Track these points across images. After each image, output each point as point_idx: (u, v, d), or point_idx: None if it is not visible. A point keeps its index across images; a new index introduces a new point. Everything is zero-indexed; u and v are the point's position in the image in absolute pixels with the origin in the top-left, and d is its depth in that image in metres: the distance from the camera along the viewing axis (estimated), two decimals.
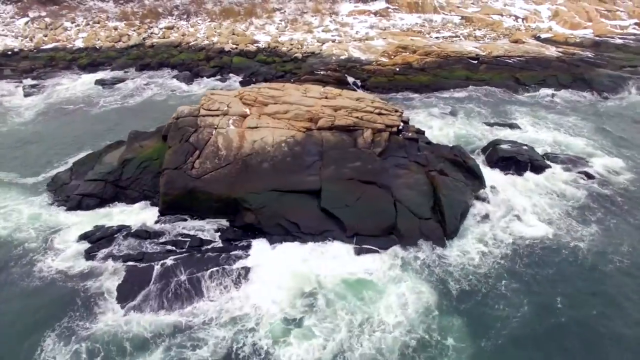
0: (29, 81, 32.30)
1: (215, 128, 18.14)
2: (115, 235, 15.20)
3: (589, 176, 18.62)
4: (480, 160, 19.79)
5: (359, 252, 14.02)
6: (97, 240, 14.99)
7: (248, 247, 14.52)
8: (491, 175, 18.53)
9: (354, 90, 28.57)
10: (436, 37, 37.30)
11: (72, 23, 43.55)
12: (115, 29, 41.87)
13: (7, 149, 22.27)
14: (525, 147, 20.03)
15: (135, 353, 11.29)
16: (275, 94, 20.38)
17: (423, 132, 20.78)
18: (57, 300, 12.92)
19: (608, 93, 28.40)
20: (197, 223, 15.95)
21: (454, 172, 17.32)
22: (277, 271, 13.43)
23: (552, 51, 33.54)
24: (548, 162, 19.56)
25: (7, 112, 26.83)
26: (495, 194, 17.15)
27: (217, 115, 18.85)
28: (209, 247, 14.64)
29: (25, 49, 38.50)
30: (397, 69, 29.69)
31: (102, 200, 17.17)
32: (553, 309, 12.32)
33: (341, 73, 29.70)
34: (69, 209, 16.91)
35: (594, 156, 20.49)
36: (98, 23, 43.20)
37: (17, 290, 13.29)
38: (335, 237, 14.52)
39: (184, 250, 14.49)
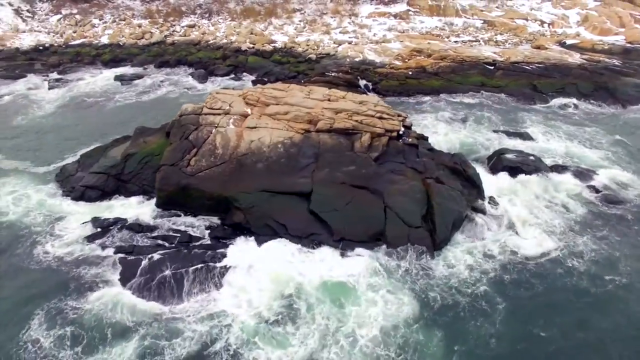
0: (54, 75, 33.76)
1: (216, 127, 18.42)
2: (111, 227, 15.68)
3: (597, 190, 17.80)
4: (484, 169, 19.31)
5: (343, 257, 13.92)
6: (95, 231, 15.51)
7: (235, 246, 14.65)
8: (493, 185, 18.04)
9: (365, 93, 28.46)
10: (455, 41, 36.53)
11: (100, 20, 45.22)
12: (140, 26, 43.18)
13: (24, 139, 23.37)
14: (531, 158, 19.37)
15: (115, 339, 11.62)
16: (278, 95, 20.49)
17: (426, 138, 20.39)
18: (49, 283, 13.45)
19: (632, 104, 27.04)
20: (190, 219, 16.24)
21: (452, 181, 16.92)
22: (260, 271, 13.50)
23: (575, 58, 32.22)
24: (555, 174, 18.81)
25: (30, 104, 28.14)
26: (493, 204, 16.65)
27: (219, 114, 19.13)
28: (197, 243, 14.90)
29: (55, 45, 40.26)
30: (410, 73, 29.26)
31: (104, 193, 17.72)
32: (535, 334, 11.73)
33: (353, 75, 29.52)
34: (73, 199, 17.56)
35: (606, 170, 19.54)
36: (124, 20, 44.68)
37: (12, 270, 13.95)
38: (322, 240, 14.47)
39: (173, 245, 14.80)
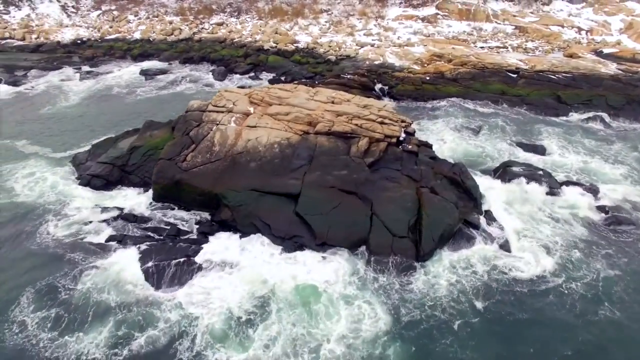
0: (86, 68, 35.62)
1: (217, 124, 18.74)
2: (108, 215, 16.30)
3: (606, 210, 16.69)
4: (488, 181, 18.55)
5: (323, 262, 13.78)
6: (93, 218, 16.19)
7: (218, 242, 14.84)
8: (495, 198, 17.32)
9: (379, 96, 28.08)
10: (481, 47, 35.30)
11: (135, 16, 47.22)
12: (171, 22, 44.73)
13: (48, 126, 24.78)
14: (540, 172, 18.43)
15: (92, 324, 11.94)
16: (282, 95, 20.59)
17: (430, 146, 19.85)
18: (44, 264, 14.04)
19: None
20: (182, 213, 16.61)
21: (448, 192, 16.35)
22: (238, 270, 13.64)
23: (610, 68, 30.29)
24: (563, 191, 17.79)
25: (59, 94, 29.81)
26: (489, 219, 15.94)
27: (222, 112, 19.45)
28: (184, 237, 15.22)
29: (92, 39, 42.49)
30: (427, 78, 28.56)
31: (108, 182, 18.43)
32: None
33: (368, 78, 29.19)
34: (79, 184, 18.45)
35: (622, 188, 18.33)
36: (157, 17, 46.43)
37: (13, 249, 14.74)
38: (304, 243, 14.39)
39: (161, 237, 15.20)
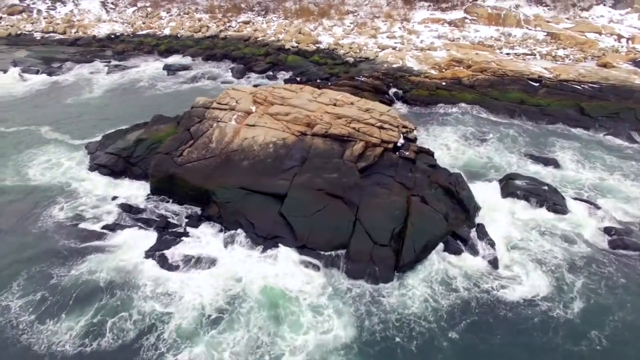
0: (115, 62, 37.22)
1: (218, 121, 19.12)
2: (105, 204, 17.02)
3: (612, 232, 15.64)
4: (489, 192, 17.84)
5: (299, 265, 13.74)
6: (92, 206, 16.96)
7: (203, 237, 15.16)
8: (492, 212, 16.66)
9: (392, 100, 27.64)
10: (507, 53, 33.96)
11: (167, 13, 48.88)
12: (199, 20, 45.95)
13: (69, 116, 26.11)
14: (544, 187, 17.53)
15: (72, 311, 12.33)
16: (286, 95, 20.72)
17: (431, 153, 19.37)
18: (41, 248, 14.79)
19: None
20: (175, 207, 17.06)
21: (440, 202, 15.87)
22: (217, 266, 13.86)
23: None
24: (569, 208, 16.83)
25: (86, 86, 31.36)
26: (481, 233, 15.32)
27: (225, 110, 19.82)
28: (172, 230, 15.63)
29: (125, 34, 44.33)
30: (443, 83, 27.79)
31: (113, 172, 19.21)
32: None
33: (382, 81, 28.79)
34: (88, 172, 19.38)
35: (638, 210, 17.05)
36: (187, 14, 47.84)
37: (15, 231, 15.59)
38: (285, 244, 14.40)
39: (150, 228, 15.69)
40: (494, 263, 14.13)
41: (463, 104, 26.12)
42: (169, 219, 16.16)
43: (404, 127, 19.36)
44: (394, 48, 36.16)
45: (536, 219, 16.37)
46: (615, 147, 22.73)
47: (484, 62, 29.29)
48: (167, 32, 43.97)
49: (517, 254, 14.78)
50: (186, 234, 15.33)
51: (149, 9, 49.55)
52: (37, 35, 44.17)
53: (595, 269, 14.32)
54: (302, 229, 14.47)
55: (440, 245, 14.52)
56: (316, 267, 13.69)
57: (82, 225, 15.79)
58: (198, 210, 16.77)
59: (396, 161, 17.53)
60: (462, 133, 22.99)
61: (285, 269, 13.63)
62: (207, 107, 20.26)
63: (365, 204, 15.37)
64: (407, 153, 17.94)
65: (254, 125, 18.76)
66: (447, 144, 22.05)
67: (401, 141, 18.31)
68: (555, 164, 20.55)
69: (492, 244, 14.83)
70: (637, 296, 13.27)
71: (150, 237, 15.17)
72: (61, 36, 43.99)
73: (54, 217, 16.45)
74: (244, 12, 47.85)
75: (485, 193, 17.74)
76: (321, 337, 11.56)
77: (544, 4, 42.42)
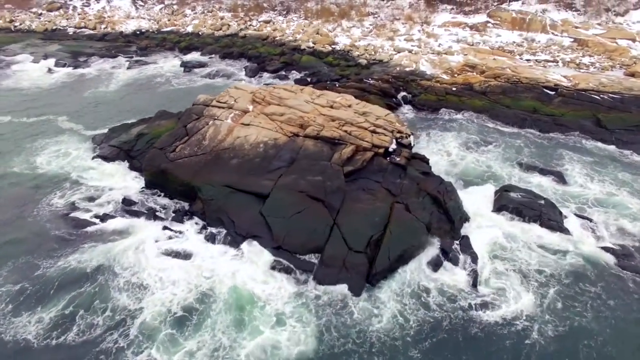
0: (137, 57, 38.56)
1: (215, 119, 19.44)
2: (101, 195, 17.67)
3: (610, 251, 14.75)
4: (481, 203, 17.28)
5: (273, 267, 13.75)
6: (88, 195, 17.66)
7: (186, 232, 15.45)
8: (481, 224, 16.13)
9: (399, 104, 27.23)
10: (527, 59, 32.68)
11: (192, 11, 50.12)
12: (222, 18, 46.84)
13: (85, 108, 27.27)
14: (541, 202, 16.77)
15: (47, 301, 12.63)
16: (284, 96, 20.80)
17: (426, 160, 18.95)
18: (30, 232, 15.47)
19: None
20: (165, 201, 17.47)
21: (425, 211, 15.49)
22: (193, 262, 14.03)
23: None
24: (565, 225, 16.03)
25: (105, 80, 32.65)
26: (464, 246, 14.82)
27: (223, 108, 20.13)
28: (158, 222, 16.01)
29: (150, 30, 45.83)
30: (453, 89, 27.09)
31: (113, 164, 19.92)
32: None
33: (393, 85, 28.40)
34: (91, 162, 20.17)
35: None
36: (211, 12, 48.87)
37: (11, 220, 16.38)
38: (262, 244, 14.45)
39: (137, 221, 16.13)
40: (473, 279, 13.62)
41: (471, 111, 25.38)
42: (156, 213, 16.56)
43: (399, 132, 19.02)
44: (410, 51, 35.58)
45: (527, 234, 15.70)
46: (630, 163, 21.45)
47: (498, 68, 28.33)
48: (189, 29, 45.12)
49: (501, 270, 14.19)
50: (169, 228, 15.67)
51: (175, 7, 50.98)
52: (70, 31, 46.39)
53: (584, 291, 13.58)
54: (279, 230, 14.49)
55: (420, 256, 14.16)
56: (289, 271, 13.65)
57: (74, 214, 16.40)
58: (186, 205, 17.13)
59: (385, 167, 17.25)
60: (465, 140, 22.34)
61: (258, 270, 13.66)
62: (207, 104, 20.64)
63: (347, 209, 15.21)
64: (398, 159, 17.61)
65: (248, 125, 18.95)
66: (448, 150, 21.51)
67: (393, 146, 17.99)
68: (560, 177, 19.61)
69: (474, 258, 14.32)
70: (623, 323, 12.48)
71: (136, 230, 15.61)
72: (91, 31, 46.01)
73: (50, 205, 17.07)
74: (266, 11, 48.41)
75: (477, 203, 17.20)
76: (279, 346, 11.36)
77: (573, 9, 40.52)
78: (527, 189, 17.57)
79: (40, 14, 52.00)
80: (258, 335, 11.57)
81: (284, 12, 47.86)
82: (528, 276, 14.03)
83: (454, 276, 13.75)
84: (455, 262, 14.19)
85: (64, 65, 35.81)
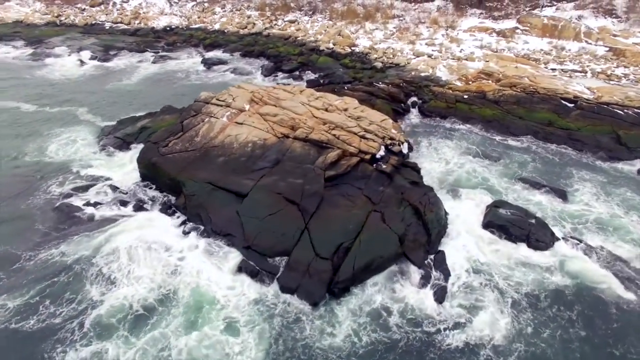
0: (163, 52, 40.03)
1: (211, 117, 19.87)
2: (95, 183, 18.50)
3: (596, 278, 13.75)
4: (468, 218, 16.62)
5: (240, 268, 13.84)
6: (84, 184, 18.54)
7: (166, 226, 15.86)
8: (465, 241, 15.50)
9: (407, 109, 26.64)
10: (552, 69, 30.97)
11: (222, 9, 51.33)
12: (249, 17, 47.66)
13: (105, 100, 28.60)
14: (531, 221, 15.87)
15: (23, 284, 13.06)
16: (282, 97, 20.93)
17: (418, 170, 18.44)
18: (21, 216, 16.30)
19: None
20: (155, 193, 18.01)
21: (403, 222, 15.07)
22: (164, 257, 14.25)
23: None
24: (554, 246, 15.11)
25: (128, 73, 34.15)
26: (439, 261, 14.27)
27: (221, 106, 20.54)
28: (142, 214, 16.58)
29: (180, 27, 47.41)
30: (465, 96, 26.14)
31: (115, 155, 20.85)
32: None
33: (402, 89, 27.81)
34: (96, 152, 21.19)
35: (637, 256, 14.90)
36: (239, 10, 49.84)
37: (9, 209, 17.26)
38: (234, 243, 14.62)
39: (125, 211, 16.78)
40: (440, 298, 13.08)
41: (480, 120, 24.40)
42: (143, 205, 17.13)
43: (391, 138, 18.62)
44: (429, 56, 34.69)
45: (510, 253, 14.94)
46: None
47: (515, 77, 27.05)
48: (217, 27, 46.27)
49: (474, 290, 13.55)
50: (151, 220, 16.17)
51: (206, 4, 52.41)
52: (107, 25, 48.82)
53: (563, 319, 12.76)
54: (251, 230, 14.60)
55: (388, 270, 13.79)
56: (255, 273, 13.65)
57: (67, 200, 17.20)
58: (173, 199, 17.60)
59: (370, 173, 16.95)
60: (468, 150, 21.51)
61: (224, 270, 13.68)
62: (207, 101, 21.11)
63: (322, 214, 15.09)
64: (384, 166, 17.25)
65: (241, 124, 19.22)
66: (447, 159, 20.81)
67: (381, 153, 17.64)
68: (563, 195, 18.47)
69: (446, 275, 13.79)
70: (591, 357, 11.60)
71: (120, 221, 16.14)
72: (126, 27, 48.20)
73: (46, 192, 17.60)
74: (293, 11, 48.75)
75: (465, 217, 16.59)
76: (225, 354, 11.28)
77: (614, 15, 37.92)
78: (519, 206, 16.69)
79: (84, 9, 55.03)
80: (207, 341, 11.55)
81: (310, 13, 48.01)
82: (503, 299, 13.34)
83: (420, 294, 13.19)
84: (425, 278, 13.71)
85: (94, 59, 37.77)
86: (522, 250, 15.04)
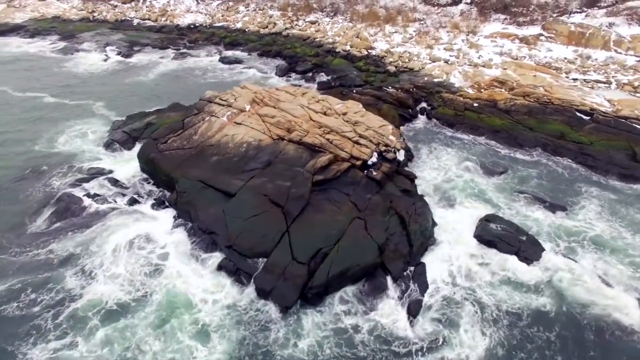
0: (183, 49, 41.03)
1: (212, 116, 20.26)
2: (100, 175, 19.23)
3: (581, 299, 13.10)
4: (459, 230, 16.22)
5: (220, 267, 14.08)
6: (86, 176, 19.31)
7: (155, 221, 16.33)
8: (446, 252, 15.14)
9: (415, 115, 26.22)
10: (573, 79, 29.64)
11: (246, 8, 52.07)
12: (270, 16, 48.13)
13: (121, 94, 29.68)
14: (522, 238, 15.33)
15: (12, 271, 13.87)
16: (282, 98, 21.08)
17: (412, 178, 18.15)
18: (23, 203, 17.29)
19: None
20: (152, 188, 18.62)
21: (386, 231, 14.90)
22: (147, 253, 14.73)
23: None
24: (541, 263, 14.54)
25: (147, 69, 35.20)
26: (418, 274, 14.03)
27: (223, 106, 20.90)
28: (136, 208, 17.12)
29: (204, 25, 48.44)
30: (475, 104, 25.44)
31: (121, 149, 21.60)
32: None
33: (411, 95, 27.40)
34: (103, 146, 22.02)
35: (628, 278, 14.11)
36: (262, 10, 50.42)
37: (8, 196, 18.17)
38: (218, 242, 14.89)
39: (119, 201, 17.40)
40: (414, 312, 12.79)
41: (488, 130, 23.69)
42: (138, 199, 17.68)
43: (386, 145, 18.40)
44: (446, 61, 33.96)
45: (497, 269, 14.48)
46: None
47: (530, 86, 26.08)
48: (239, 25, 47.00)
49: (452, 305, 13.25)
50: (145, 214, 16.68)
51: (231, 3, 53.32)
52: (135, 22, 50.52)
53: (542, 341, 12.27)
54: (234, 230, 14.79)
55: (365, 279, 13.65)
56: (233, 272, 13.84)
57: (69, 190, 18.01)
58: (168, 195, 18.07)
59: (359, 180, 16.83)
60: (469, 160, 20.92)
61: (203, 272, 13.99)
62: (210, 100, 21.54)
63: (305, 218, 15.11)
64: (375, 173, 17.08)
65: (240, 124, 19.50)
66: (447, 168, 20.36)
67: (373, 160, 17.47)
68: (564, 211, 17.70)
69: (423, 289, 13.52)
70: None
71: (114, 213, 16.72)
72: (152, 23, 49.73)
73: (46, 185, 18.58)
74: (315, 11, 48.84)
75: (455, 229, 16.23)
76: (188, 358, 11.43)
77: None
78: (511, 222, 16.13)
79: (116, 5, 57.15)
80: (175, 344, 11.73)
81: (332, 14, 47.96)
82: (482, 317, 12.96)
83: (393, 308, 12.96)
84: (401, 290, 13.48)
85: (118, 54, 39.22)
86: (510, 267, 14.53)
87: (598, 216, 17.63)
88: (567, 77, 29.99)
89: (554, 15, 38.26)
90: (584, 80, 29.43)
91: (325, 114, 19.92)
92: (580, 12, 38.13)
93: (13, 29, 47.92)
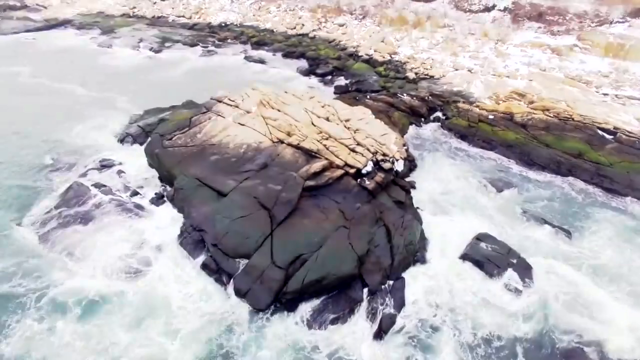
0: (212, 47, 42.16)
1: (218, 115, 20.79)
2: (109, 167, 20.21)
3: (566, 328, 12.45)
4: (452, 247, 15.81)
5: (204, 265, 14.47)
6: (97, 166, 20.34)
7: (152, 215, 17.00)
8: (430, 268, 14.79)
9: (425, 124, 25.71)
10: (604, 94, 27.98)
11: (277, 8, 52.74)
12: (300, 17, 48.52)
13: (145, 89, 30.88)
14: (513, 260, 14.75)
15: (8, 253, 14.93)
16: (287, 101, 21.29)
17: (408, 190, 17.84)
18: (30, 189, 18.32)
19: None
20: (157, 182, 19.29)
21: (369, 242, 14.76)
22: (136, 248, 15.22)
23: None
24: (531, 288, 13.93)
25: (174, 66, 36.45)
26: (396, 289, 13.79)
27: (230, 106, 21.39)
28: (136, 201, 17.86)
29: (234, 24, 49.57)
30: (490, 117, 24.58)
31: (134, 142, 22.59)
32: None
33: (426, 103, 26.86)
34: (117, 139, 23.12)
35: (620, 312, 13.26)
36: (292, 10, 50.90)
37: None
38: (206, 240, 15.28)
39: (122, 193, 18.22)
40: (386, 329, 12.57)
41: (500, 144, 22.85)
42: (137, 190, 18.40)
43: (384, 154, 18.18)
44: (469, 70, 32.99)
45: (481, 291, 14.00)
46: None
47: (552, 100, 24.89)
48: (268, 25, 47.72)
49: (428, 325, 12.94)
50: (143, 209, 17.35)
51: (263, 3, 54.18)
52: (170, 19, 52.41)
53: None
54: (220, 229, 15.13)
55: (340, 291, 13.55)
56: (215, 271, 14.18)
57: (80, 179, 19.04)
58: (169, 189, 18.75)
59: (351, 188, 16.74)
60: (475, 174, 20.31)
61: (187, 268, 14.43)
62: (220, 100, 22.09)
63: (291, 222, 15.23)
64: (367, 182, 16.93)
65: (243, 125, 19.88)
66: (449, 180, 19.87)
67: (367, 169, 17.32)
68: (568, 235, 16.85)
69: (399, 305, 13.27)
70: None
71: (114, 205, 17.30)
72: (186, 20, 51.41)
73: (61, 170, 19.83)
74: (344, 14, 48.74)
75: (444, 245, 15.83)
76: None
77: None
78: (504, 243, 15.52)
79: (155, 2, 59.53)
80: (145, 344, 12.02)
81: (361, 17, 47.69)
82: (459, 340, 12.59)
83: (363, 326, 12.75)
84: (374, 306, 13.25)
85: (149, 49, 40.83)
86: (494, 290, 14.05)
87: (607, 243, 16.67)
88: (597, 92, 28.36)
89: (593, 25, 36.21)
90: (616, 95, 27.71)
91: (327, 119, 19.95)
92: (622, 22, 35.87)
93: (62, 23, 50.95)
